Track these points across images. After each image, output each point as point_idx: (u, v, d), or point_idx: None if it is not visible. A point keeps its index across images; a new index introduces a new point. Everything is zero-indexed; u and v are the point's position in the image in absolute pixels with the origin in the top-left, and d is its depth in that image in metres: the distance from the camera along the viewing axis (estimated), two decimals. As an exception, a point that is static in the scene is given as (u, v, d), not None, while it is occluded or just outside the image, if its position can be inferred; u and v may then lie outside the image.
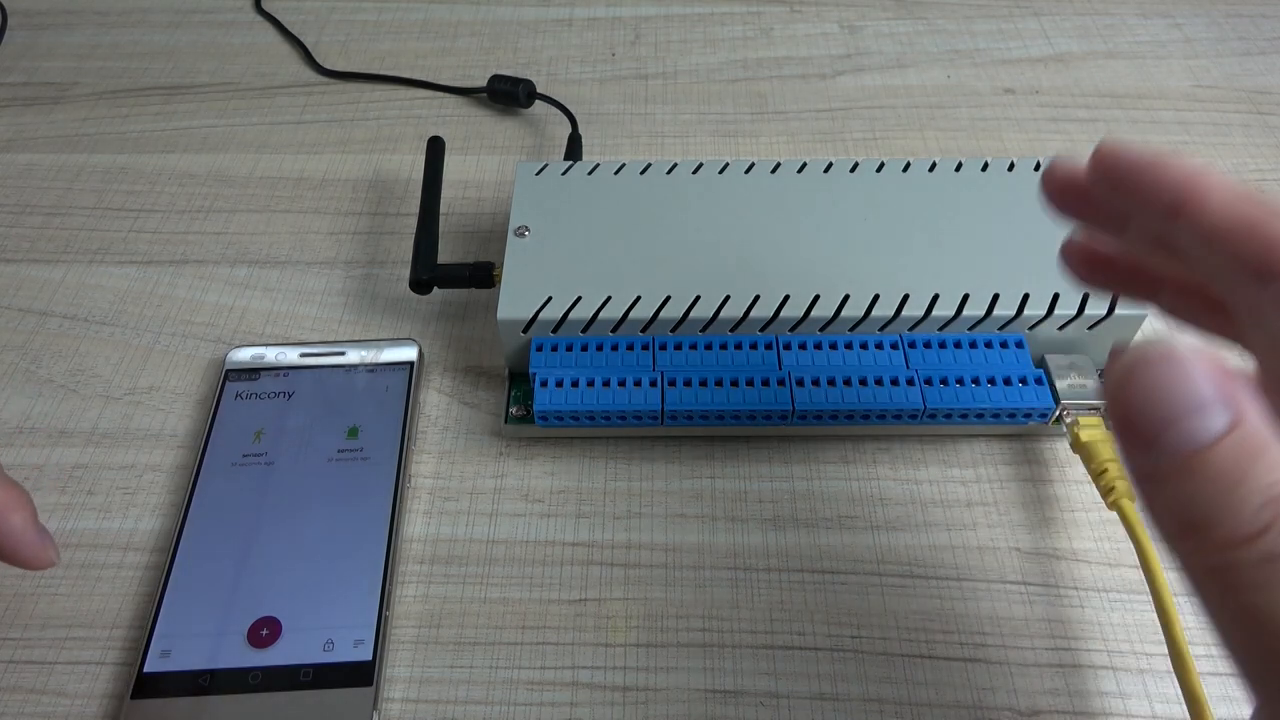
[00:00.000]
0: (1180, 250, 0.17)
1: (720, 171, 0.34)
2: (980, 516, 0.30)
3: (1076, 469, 0.31)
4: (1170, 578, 0.25)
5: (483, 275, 0.34)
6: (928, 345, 0.30)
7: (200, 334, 0.36)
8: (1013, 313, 0.29)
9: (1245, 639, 0.14)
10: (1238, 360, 0.15)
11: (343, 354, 0.33)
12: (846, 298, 0.30)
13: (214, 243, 0.39)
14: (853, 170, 0.34)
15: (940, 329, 0.30)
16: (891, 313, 0.29)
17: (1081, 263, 0.22)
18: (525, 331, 0.30)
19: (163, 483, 0.31)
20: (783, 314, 0.30)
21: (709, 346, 0.30)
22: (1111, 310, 0.29)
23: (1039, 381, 0.29)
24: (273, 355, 0.33)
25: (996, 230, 0.32)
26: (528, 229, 0.32)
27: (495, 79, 0.44)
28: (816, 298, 0.30)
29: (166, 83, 0.47)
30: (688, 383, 0.29)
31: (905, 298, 0.30)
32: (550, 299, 0.30)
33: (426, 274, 0.33)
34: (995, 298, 0.30)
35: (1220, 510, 0.14)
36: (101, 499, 0.31)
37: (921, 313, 0.29)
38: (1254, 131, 0.44)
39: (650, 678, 0.27)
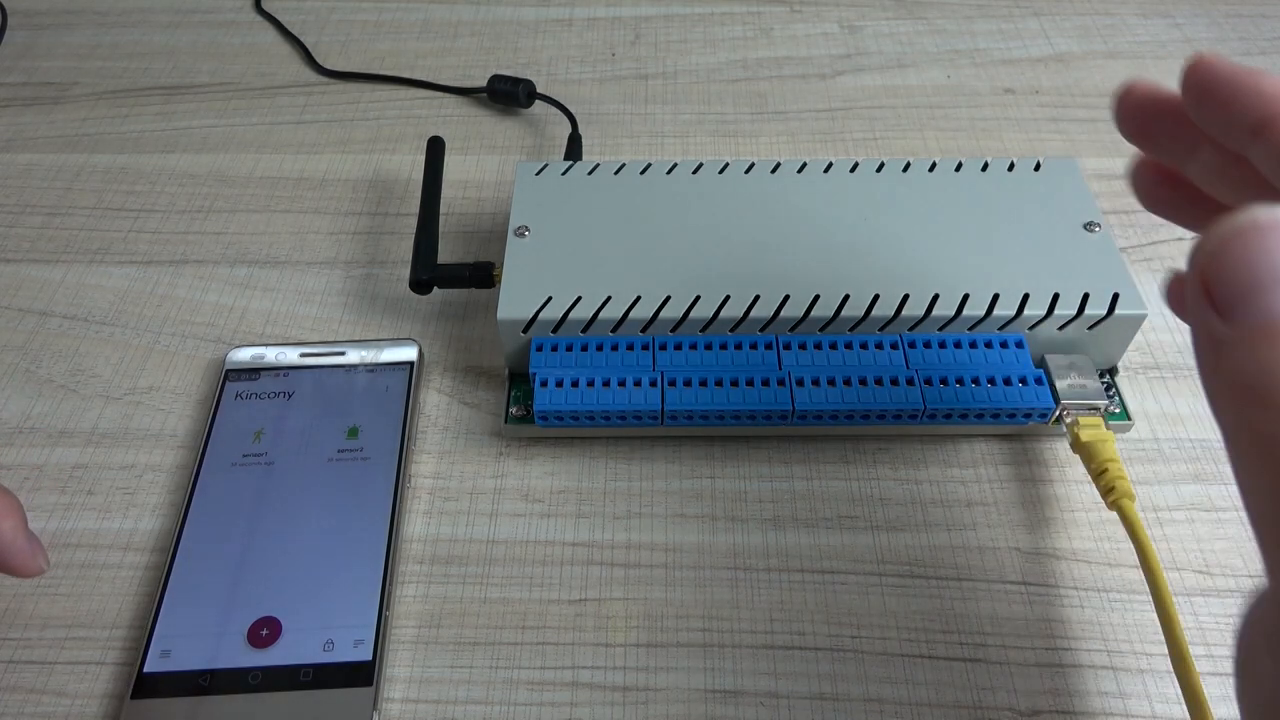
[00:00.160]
0: (1253, 176, 0.17)
1: (720, 171, 0.34)
2: (980, 516, 0.30)
3: (1076, 469, 0.31)
4: (1170, 578, 0.25)
5: (483, 275, 0.34)
6: (928, 345, 0.30)
7: (200, 334, 0.36)
8: (1013, 313, 0.29)
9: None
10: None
11: (343, 354, 0.33)
12: (846, 298, 0.30)
13: (214, 243, 0.39)
14: (853, 170, 0.34)
15: (940, 329, 0.30)
16: (891, 313, 0.29)
17: (1148, 180, 0.22)
18: (525, 331, 0.30)
19: (163, 483, 0.31)
20: (783, 314, 0.30)
21: (709, 346, 0.30)
22: (1112, 310, 0.29)
23: (1039, 381, 0.29)
24: (273, 355, 0.33)
25: (996, 230, 0.32)
26: (528, 229, 0.32)
27: (495, 79, 0.44)
28: (816, 298, 0.30)
29: (166, 83, 0.47)
30: (688, 383, 0.29)
31: (905, 298, 0.30)
32: (550, 299, 0.30)
33: (426, 274, 0.33)
34: (995, 298, 0.30)
35: None
36: (101, 499, 0.31)
37: (921, 313, 0.29)
38: (1254, 131, 0.44)
39: (650, 678, 0.27)
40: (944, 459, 0.31)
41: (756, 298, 0.30)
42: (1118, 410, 0.31)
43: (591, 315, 0.30)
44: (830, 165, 0.34)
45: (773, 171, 0.34)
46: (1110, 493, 0.28)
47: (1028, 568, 0.29)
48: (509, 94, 0.44)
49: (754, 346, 0.30)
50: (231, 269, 0.38)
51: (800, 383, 0.29)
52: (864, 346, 0.30)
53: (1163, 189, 0.21)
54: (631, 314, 0.30)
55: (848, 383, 0.29)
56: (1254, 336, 0.14)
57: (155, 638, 0.27)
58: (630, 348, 0.30)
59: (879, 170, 0.34)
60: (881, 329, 0.30)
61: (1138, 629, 0.27)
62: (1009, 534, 0.30)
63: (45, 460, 0.32)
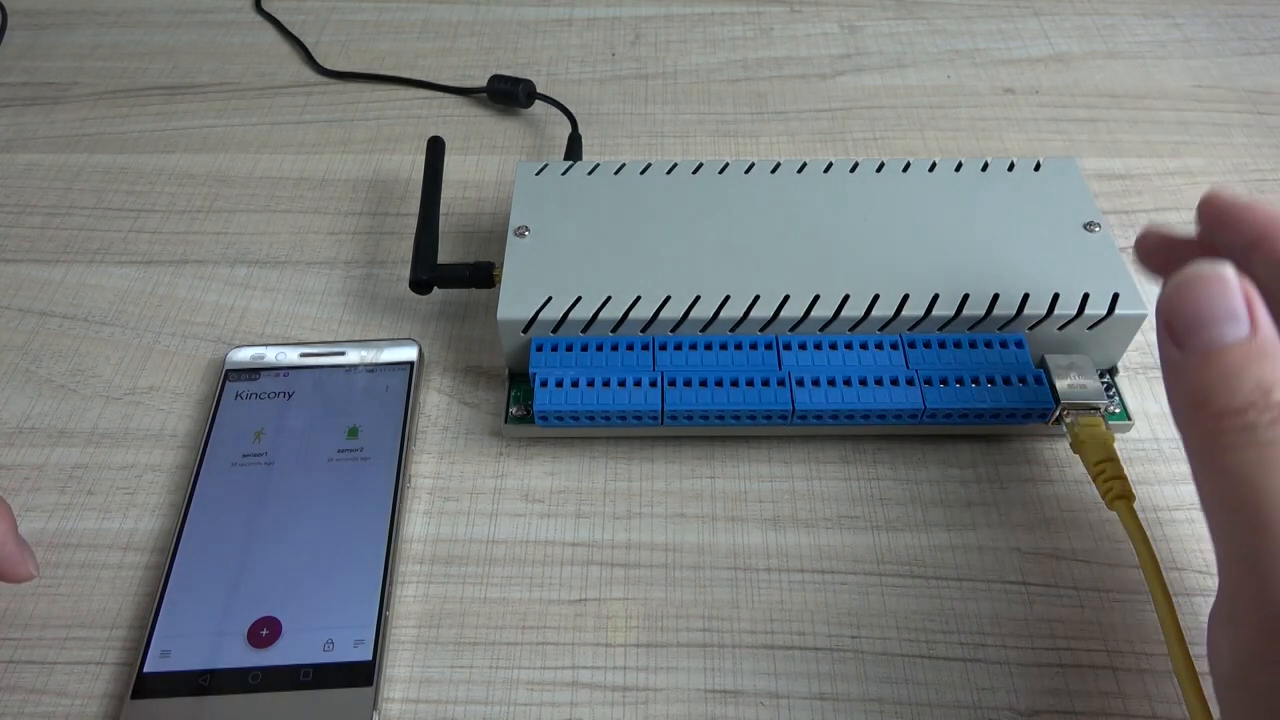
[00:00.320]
0: (1258, 278, 0.22)
1: (720, 171, 0.34)
2: (980, 516, 0.30)
3: (1076, 469, 0.31)
4: (1170, 578, 0.25)
5: (483, 275, 0.34)
6: (928, 345, 0.30)
7: (200, 334, 0.36)
8: (1013, 313, 0.29)
9: (1215, 486, 0.19)
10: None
11: (343, 354, 0.33)
12: (846, 298, 0.30)
13: (214, 243, 0.39)
14: (853, 170, 0.34)
15: (940, 329, 0.30)
16: (891, 313, 0.29)
17: (1149, 249, 0.26)
18: (525, 331, 0.30)
19: (163, 483, 0.31)
20: (783, 314, 0.30)
21: (709, 346, 0.30)
22: (1112, 310, 0.29)
23: (1039, 381, 0.29)
24: (273, 355, 0.33)
25: (996, 230, 0.32)
26: (528, 229, 0.32)
27: (495, 79, 0.44)
28: (816, 298, 0.30)
29: (166, 83, 0.47)
30: (688, 383, 0.29)
31: (905, 298, 0.30)
32: (550, 299, 0.30)
33: (426, 274, 0.33)
34: (995, 298, 0.30)
35: (1220, 392, 0.18)
36: (101, 499, 0.31)
37: (921, 313, 0.29)
38: (1254, 131, 0.44)
39: (650, 678, 0.27)
40: (944, 459, 0.31)
41: (756, 298, 0.30)
42: (1118, 410, 0.31)
43: (591, 315, 0.30)
44: (830, 165, 0.34)
45: (773, 171, 0.34)
46: (1110, 493, 0.28)
47: (1028, 568, 0.29)
48: (509, 94, 0.44)
49: (754, 346, 0.30)
50: (231, 269, 0.38)
51: (800, 383, 0.29)
52: (864, 346, 0.30)
53: (1158, 256, 0.26)
54: (631, 314, 0.30)
55: (848, 383, 0.29)
56: (1199, 361, 0.19)
57: (155, 638, 0.27)
58: (630, 348, 0.30)
59: (879, 170, 0.34)
60: (881, 329, 0.30)
61: (1138, 629, 0.27)
62: (1009, 534, 0.30)
63: (45, 460, 0.32)
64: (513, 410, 0.31)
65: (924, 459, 0.31)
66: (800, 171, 0.34)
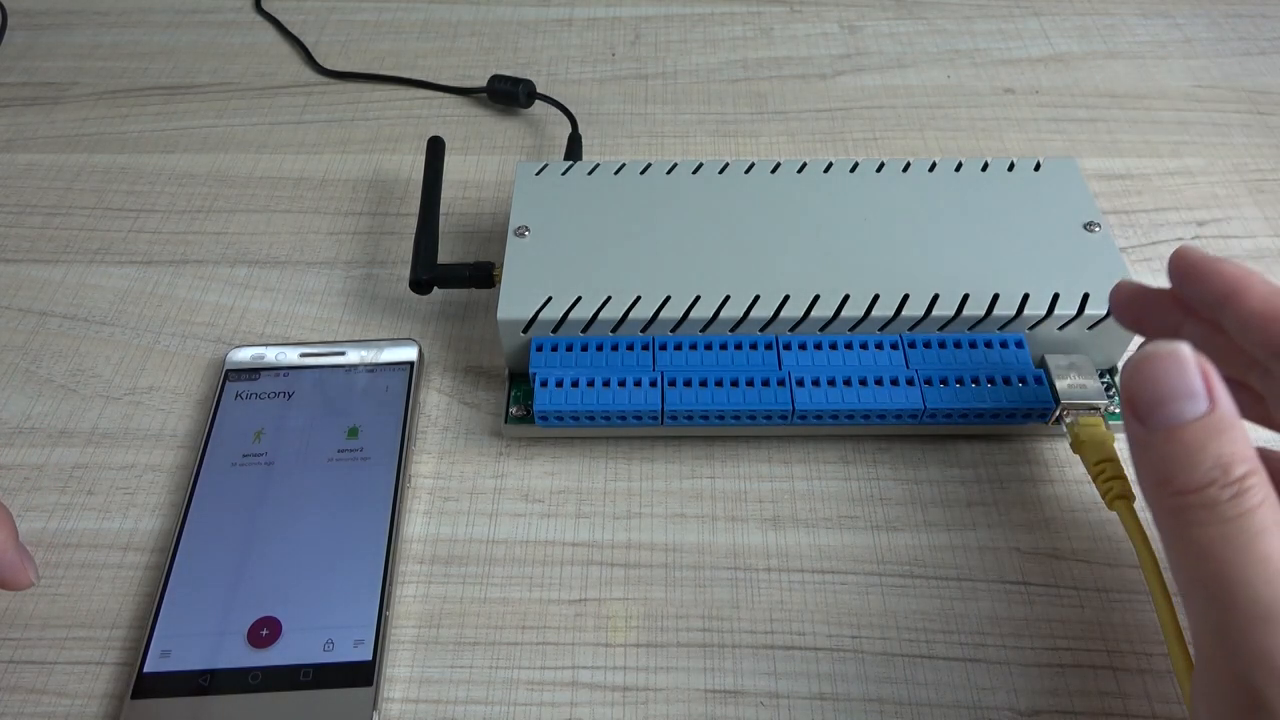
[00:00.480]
0: (1228, 334, 0.23)
1: (720, 171, 0.34)
2: (980, 516, 0.30)
3: (1076, 469, 0.31)
4: (1170, 578, 0.25)
5: (483, 275, 0.34)
6: (928, 345, 0.30)
7: (200, 334, 0.36)
8: (1013, 313, 0.29)
9: (1184, 560, 0.19)
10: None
11: (343, 354, 0.33)
12: (846, 298, 0.30)
13: (214, 243, 0.39)
14: (853, 170, 0.34)
15: (940, 329, 0.30)
16: (891, 313, 0.29)
17: (1123, 301, 0.26)
18: (525, 331, 0.30)
19: (163, 483, 0.31)
20: (783, 314, 0.30)
21: (709, 346, 0.30)
22: (1112, 310, 0.29)
23: (1039, 381, 0.29)
24: (273, 355, 0.33)
25: (996, 230, 0.32)
26: (528, 229, 0.32)
27: (495, 79, 0.44)
28: (816, 298, 0.30)
29: (166, 83, 0.47)
30: (688, 383, 0.29)
31: (905, 298, 0.30)
32: (550, 299, 0.30)
33: (426, 274, 0.33)
34: (995, 298, 0.30)
35: (1182, 468, 0.19)
36: (101, 499, 0.31)
37: (921, 313, 0.29)
38: (1254, 131, 0.44)
39: (650, 678, 0.27)
40: (944, 459, 0.31)
41: (756, 298, 0.30)
42: (1118, 410, 0.31)
43: (591, 315, 0.30)
44: (830, 165, 0.34)
45: (773, 172, 0.34)
46: (1110, 493, 0.28)
47: (1028, 568, 0.29)
48: (509, 94, 0.44)
49: (754, 346, 0.30)
50: (231, 269, 0.38)
51: (800, 383, 0.29)
52: (864, 346, 0.30)
53: (1132, 309, 0.26)
54: (631, 314, 0.30)
55: (848, 383, 0.29)
56: (1161, 438, 0.19)
57: (155, 638, 0.27)
58: (630, 348, 0.30)
59: (879, 170, 0.34)
60: (881, 329, 0.30)
61: (1138, 629, 0.27)
62: (1009, 534, 0.30)
63: (45, 460, 0.32)
64: (513, 410, 0.31)
65: (924, 459, 0.31)
66: (800, 171, 0.34)
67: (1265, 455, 0.24)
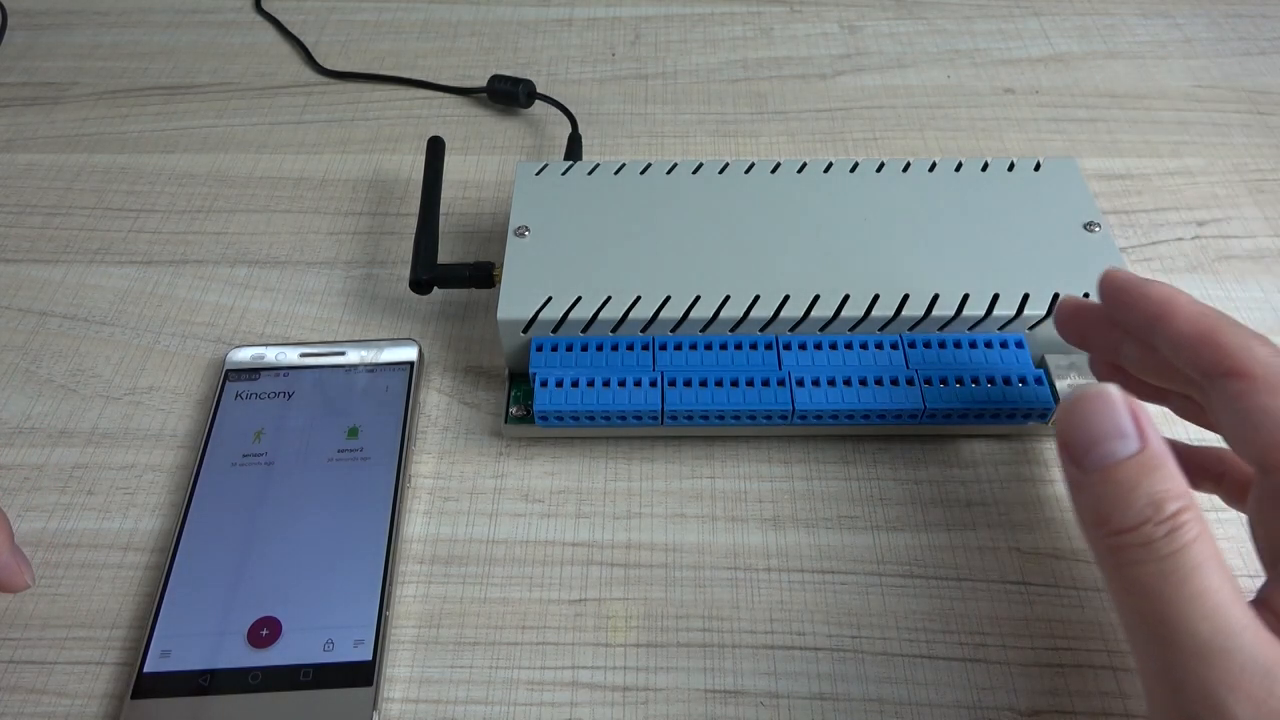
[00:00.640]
0: (1160, 354, 0.23)
1: (720, 171, 0.34)
2: (980, 516, 0.30)
3: (1076, 469, 0.31)
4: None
5: (483, 275, 0.34)
6: (928, 345, 0.30)
7: (200, 334, 0.36)
8: (1013, 313, 0.29)
9: (1125, 600, 0.19)
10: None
11: (343, 354, 0.33)
12: (846, 298, 0.30)
13: (214, 243, 0.39)
14: (853, 170, 0.34)
15: (940, 329, 0.30)
16: (891, 313, 0.29)
17: (1066, 315, 0.27)
18: (525, 331, 0.30)
19: (163, 483, 0.31)
20: (783, 314, 0.30)
21: (709, 346, 0.30)
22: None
23: (1039, 381, 0.29)
24: (273, 355, 0.33)
25: (997, 230, 0.32)
26: (528, 229, 0.32)
27: (495, 79, 0.44)
28: (816, 298, 0.30)
29: (166, 83, 0.47)
30: (688, 383, 0.29)
31: (905, 298, 0.30)
32: (550, 299, 0.30)
33: (426, 274, 0.33)
34: (995, 298, 0.30)
35: (1118, 508, 0.19)
36: (101, 499, 0.31)
37: (921, 313, 0.29)
38: (1254, 131, 0.44)
39: (650, 678, 0.27)
40: (944, 459, 0.31)
41: (756, 298, 0.30)
42: (1118, 410, 0.31)
43: (591, 315, 0.30)
44: (830, 165, 0.34)
45: (773, 172, 0.34)
46: (1110, 493, 0.28)
47: (1028, 568, 0.29)
48: (509, 94, 0.44)
49: (754, 346, 0.30)
50: (231, 269, 0.38)
51: (800, 383, 0.29)
52: (864, 346, 0.30)
53: (1073, 325, 0.27)
54: (631, 314, 0.30)
55: (848, 383, 0.29)
56: (1096, 479, 0.20)
57: (155, 638, 0.27)
58: (630, 348, 0.30)
59: (879, 170, 0.34)
60: (881, 329, 0.30)
61: (1138, 629, 0.27)
62: (1009, 534, 0.30)
63: (45, 460, 0.32)
64: (513, 410, 0.31)
65: (924, 459, 0.31)
66: (800, 171, 0.34)
67: (1222, 456, 0.26)
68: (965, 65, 0.48)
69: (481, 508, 0.30)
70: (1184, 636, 0.18)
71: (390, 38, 0.50)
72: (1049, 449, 0.32)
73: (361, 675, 0.26)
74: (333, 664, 0.26)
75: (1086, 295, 0.29)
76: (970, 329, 0.30)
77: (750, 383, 0.29)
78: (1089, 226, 0.32)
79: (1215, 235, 0.39)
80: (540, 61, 0.48)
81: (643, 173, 0.34)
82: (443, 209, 0.39)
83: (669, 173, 0.34)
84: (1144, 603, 0.19)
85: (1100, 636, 0.27)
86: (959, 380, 0.29)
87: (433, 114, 0.45)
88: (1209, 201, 0.40)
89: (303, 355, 0.33)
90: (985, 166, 0.34)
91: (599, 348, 0.30)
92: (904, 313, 0.29)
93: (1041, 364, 0.31)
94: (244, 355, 0.33)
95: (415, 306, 0.36)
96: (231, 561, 0.28)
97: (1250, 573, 0.28)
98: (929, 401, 0.29)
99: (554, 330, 0.30)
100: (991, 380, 0.29)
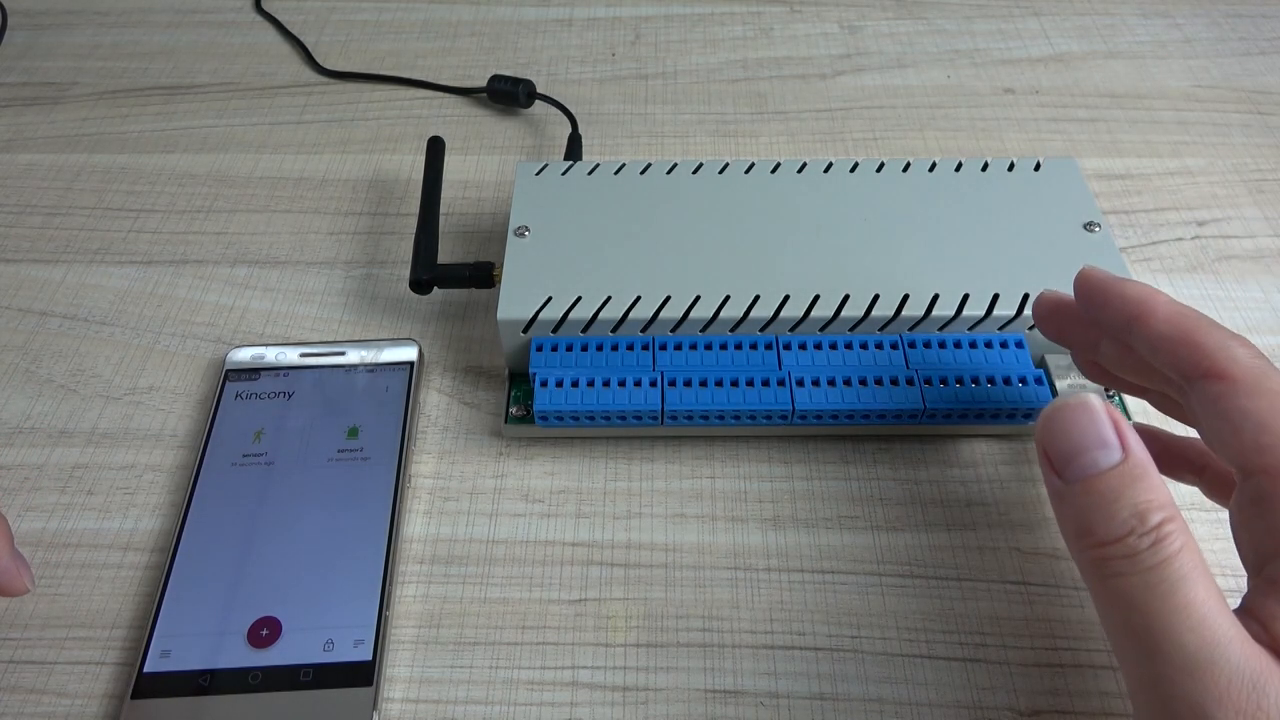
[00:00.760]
0: (1137, 352, 0.23)
1: (720, 171, 0.34)
2: (980, 516, 0.30)
3: (1076, 469, 0.31)
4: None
5: (483, 275, 0.34)
6: (928, 345, 0.30)
7: (200, 334, 0.36)
8: (1013, 313, 0.29)
9: (1111, 612, 0.19)
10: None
11: (343, 354, 0.33)
12: (846, 298, 0.30)
13: (214, 243, 0.39)
14: (853, 170, 0.34)
15: (940, 329, 0.30)
16: (891, 313, 0.29)
17: (1044, 311, 0.27)
18: (525, 331, 0.30)
19: (163, 483, 0.31)
20: (783, 314, 0.30)
21: (709, 346, 0.30)
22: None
23: (1039, 381, 0.29)
24: (273, 355, 0.33)
25: (997, 230, 0.32)
26: (528, 229, 0.32)
27: (495, 79, 0.44)
28: (816, 298, 0.30)
29: (166, 83, 0.47)
30: (688, 383, 0.29)
31: (905, 298, 0.30)
32: (550, 299, 0.30)
33: (426, 274, 0.33)
34: (995, 298, 0.30)
35: (1101, 519, 0.19)
36: (101, 499, 0.31)
37: (921, 313, 0.29)
38: (1254, 131, 0.44)
39: (650, 678, 0.27)
40: (944, 459, 0.31)
41: (756, 298, 0.30)
42: (1118, 410, 0.31)
43: (591, 315, 0.30)
44: (830, 165, 0.34)
45: (773, 171, 0.34)
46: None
47: (1028, 568, 0.29)
48: (509, 94, 0.44)
49: (754, 346, 0.30)
50: (231, 269, 0.38)
51: (800, 383, 0.29)
52: (864, 346, 0.30)
53: (1052, 321, 0.26)
54: (631, 314, 0.30)
55: (848, 383, 0.29)
56: (1079, 490, 0.19)
57: (155, 638, 0.27)
58: (630, 348, 0.30)
59: (879, 170, 0.34)
60: (881, 329, 0.30)
61: (1138, 629, 0.27)
62: (1009, 534, 0.30)
63: (45, 460, 0.32)
64: (513, 410, 0.31)
65: (924, 459, 0.31)
66: (800, 171, 0.34)
67: (1203, 448, 0.26)
68: (965, 65, 0.48)
69: (481, 508, 0.30)
70: (1171, 649, 0.18)
71: (390, 38, 0.50)
72: (1049, 449, 0.32)
73: (361, 675, 0.26)
74: (333, 664, 0.26)
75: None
76: (970, 329, 0.30)
77: (750, 383, 0.29)
78: (1089, 226, 0.32)
79: (1215, 235, 0.39)
80: (540, 61, 0.48)
81: (643, 173, 0.34)
82: (443, 209, 0.39)
83: (669, 173, 0.34)
84: (1129, 615, 0.18)
85: (1100, 636, 0.27)
86: (959, 380, 0.29)
87: (433, 114, 0.45)
88: (1209, 201, 0.40)
89: (303, 355, 0.33)
90: (985, 167, 0.34)
91: (599, 348, 0.30)
92: (904, 313, 0.29)
93: (1041, 364, 0.31)
94: (244, 355, 0.33)
95: (415, 306, 0.36)
96: (231, 561, 0.28)
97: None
98: (929, 401, 0.29)
99: (554, 330, 0.30)
100: (991, 380, 0.29)
